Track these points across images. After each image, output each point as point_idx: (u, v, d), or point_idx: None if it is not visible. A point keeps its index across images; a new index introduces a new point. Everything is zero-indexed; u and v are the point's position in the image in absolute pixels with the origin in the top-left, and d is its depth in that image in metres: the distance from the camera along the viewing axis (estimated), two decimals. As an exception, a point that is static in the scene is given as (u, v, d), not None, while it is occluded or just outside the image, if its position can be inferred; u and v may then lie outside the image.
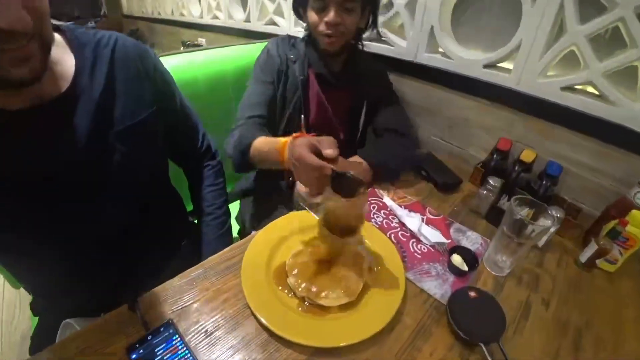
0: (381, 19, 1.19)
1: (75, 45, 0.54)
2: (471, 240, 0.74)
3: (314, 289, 0.55)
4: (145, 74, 0.62)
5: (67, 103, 0.50)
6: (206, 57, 1.09)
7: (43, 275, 0.62)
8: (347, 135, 1.04)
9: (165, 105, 0.67)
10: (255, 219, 1.00)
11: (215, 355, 0.47)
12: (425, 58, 1.10)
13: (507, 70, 0.95)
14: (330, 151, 0.52)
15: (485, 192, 0.81)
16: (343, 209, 0.55)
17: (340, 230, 0.56)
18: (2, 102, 0.44)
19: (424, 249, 0.71)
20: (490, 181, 0.81)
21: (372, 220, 0.79)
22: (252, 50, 1.18)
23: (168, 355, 0.45)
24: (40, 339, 0.66)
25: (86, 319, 0.56)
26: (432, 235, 0.74)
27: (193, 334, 0.50)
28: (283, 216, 0.74)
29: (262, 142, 0.77)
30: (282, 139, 0.67)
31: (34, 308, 0.72)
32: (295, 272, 0.58)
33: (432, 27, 1.05)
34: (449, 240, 0.73)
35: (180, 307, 0.53)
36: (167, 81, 0.69)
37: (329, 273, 0.59)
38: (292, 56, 0.92)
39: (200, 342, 0.49)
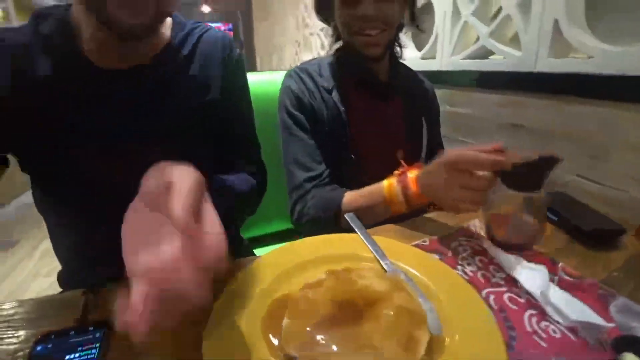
0: (484, 30, 0.98)
1: (175, 22, 0.57)
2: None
3: (318, 341, 0.32)
4: (222, 62, 0.60)
5: (152, 70, 0.51)
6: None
7: (86, 238, 0.58)
8: (407, 158, 0.78)
9: (228, 100, 0.62)
10: None
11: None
12: (550, 64, 0.81)
13: None
14: (494, 145, 0.47)
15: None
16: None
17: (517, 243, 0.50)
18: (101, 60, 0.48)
19: (555, 331, 0.39)
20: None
21: (459, 268, 0.50)
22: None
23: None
24: None
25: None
26: (574, 309, 0.40)
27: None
28: (310, 237, 0.53)
29: (354, 198, 0.64)
30: (384, 183, 0.60)
31: (61, 279, 0.67)
32: (298, 309, 0.36)
33: (555, 22, 0.77)
34: (611, 325, 0.38)
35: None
36: (238, 79, 0.65)
37: (353, 328, 0.35)
38: (325, 84, 0.73)
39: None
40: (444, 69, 1.16)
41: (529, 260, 0.49)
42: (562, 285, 0.45)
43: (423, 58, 1.29)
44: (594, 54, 0.73)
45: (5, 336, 0.37)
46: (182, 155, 0.55)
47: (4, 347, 0.36)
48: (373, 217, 0.61)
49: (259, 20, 5.10)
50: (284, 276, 0.43)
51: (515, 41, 0.93)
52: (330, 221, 0.64)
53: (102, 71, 0.47)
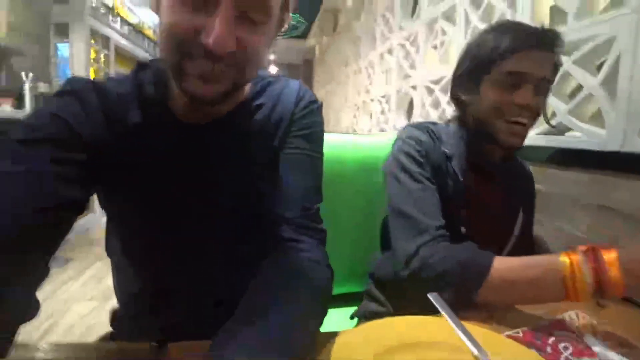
0: (564, 107, 0.97)
1: (256, 79, 0.56)
2: None
3: None
4: (292, 115, 0.57)
5: (225, 126, 0.52)
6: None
7: (150, 287, 0.58)
8: (498, 244, 0.74)
9: (296, 149, 0.59)
10: None
11: None
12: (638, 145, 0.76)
13: None
14: None
15: None
16: None
17: None
18: (185, 116, 0.50)
19: None
20: None
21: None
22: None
23: None
24: None
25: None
26: None
27: None
28: (397, 318, 0.48)
29: (510, 265, 0.54)
30: (562, 258, 0.49)
31: (115, 319, 0.66)
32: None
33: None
34: None
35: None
36: (308, 133, 0.61)
37: None
38: (447, 150, 0.70)
39: None
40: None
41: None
42: None
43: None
44: None
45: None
46: (246, 208, 0.55)
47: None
48: (529, 298, 0.53)
49: (320, 84, 5.54)
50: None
51: (595, 118, 0.89)
52: (468, 284, 0.54)
53: (182, 125, 0.50)
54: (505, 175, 0.74)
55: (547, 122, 0.73)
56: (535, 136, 1.06)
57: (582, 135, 0.92)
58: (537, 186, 1.02)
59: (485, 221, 0.71)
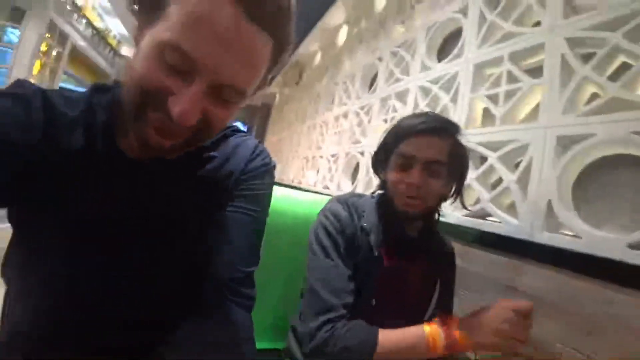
0: (486, 196, 1.10)
1: None
2: None
3: None
4: (241, 173, 0.58)
5: (171, 168, 0.49)
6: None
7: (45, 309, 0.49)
8: (413, 320, 0.74)
9: (239, 208, 0.58)
10: None
11: None
12: (545, 238, 0.88)
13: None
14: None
15: None
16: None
17: None
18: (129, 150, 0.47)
19: None
20: None
21: None
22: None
23: None
24: None
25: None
26: None
27: None
28: None
29: (389, 336, 0.64)
30: (424, 327, 0.64)
31: None
32: None
33: (549, 202, 0.88)
34: None
35: None
36: (254, 195, 0.60)
37: None
38: (365, 224, 0.75)
39: None
40: (446, 220, 1.23)
41: None
42: None
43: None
44: (581, 235, 0.81)
45: None
46: (176, 251, 0.51)
47: None
48: (410, 358, 0.63)
49: (274, 130, 5.64)
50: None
51: (512, 208, 1.02)
52: (364, 354, 0.63)
53: (126, 159, 0.47)
54: (423, 249, 0.79)
55: (463, 205, 0.83)
56: (462, 218, 1.17)
57: (501, 222, 1.03)
58: (461, 263, 1.10)
59: (402, 293, 0.76)
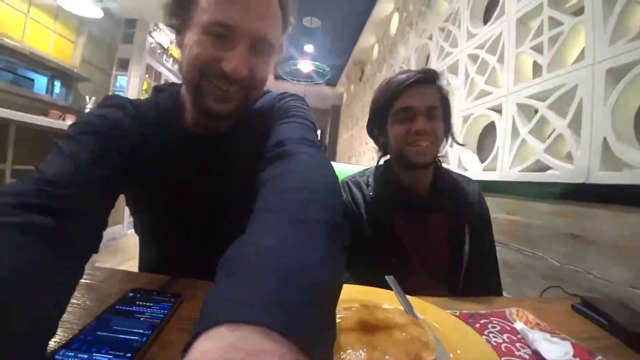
0: (539, 146, 1.07)
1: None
2: None
3: (339, 343, 0.36)
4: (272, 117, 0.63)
5: (226, 140, 0.60)
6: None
7: (164, 253, 0.69)
8: (447, 270, 0.79)
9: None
10: None
11: None
12: (602, 177, 0.84)
13: None
14: None
15: None
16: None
17: None
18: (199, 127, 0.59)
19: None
20: None
21: (483, 337, 0.50)
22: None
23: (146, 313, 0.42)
24: None
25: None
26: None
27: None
28: (352, 285, 0.58)
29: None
30: None
31: None
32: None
33: (604, 140, 0.84)
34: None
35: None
36: (283, 116, 0.63)
37: (369, 338, 0.39)
38: (371, 193, 0.81)
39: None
40: (503, 179, 1.23)
41: (553, 334, 0.48)
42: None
43: (485, 170, 1.38)
44: None
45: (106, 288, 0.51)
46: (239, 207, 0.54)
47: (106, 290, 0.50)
48: None
49: (346, 128, 5.86)
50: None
51: (570, 157, 0.98)
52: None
53: (195, 135, 0.59)
54: (436, 205, 0.80)
55: (455, 141, 0.85)
56: (517, 173, 1.15)
57: (557, 171, 1.00)
58: (522, 219, 1.09)
59: (420, 250, 0.78)
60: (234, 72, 0.48)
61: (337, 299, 0.29)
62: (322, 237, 0.30)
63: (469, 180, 0.88)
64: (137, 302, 0.44)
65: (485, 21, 1.57)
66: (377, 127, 0.84)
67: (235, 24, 0.47)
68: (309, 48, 4.29)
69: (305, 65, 4.00)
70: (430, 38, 2.14)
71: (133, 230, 0.73)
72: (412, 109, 0.75)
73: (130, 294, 0.46)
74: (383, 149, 0.86)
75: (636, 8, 0.84)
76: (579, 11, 1.01)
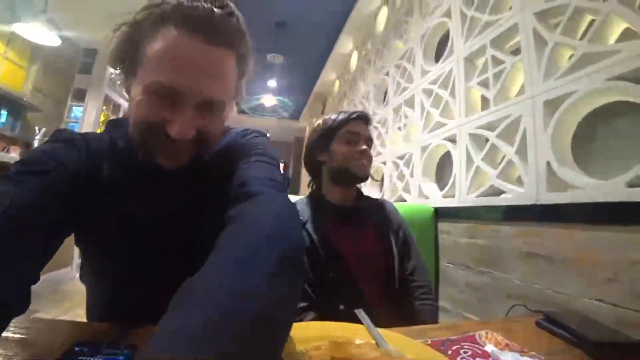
0: (493, 172, 1.15)
1: None
2: None
3: None
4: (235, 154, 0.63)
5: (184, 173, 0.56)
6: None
7: (119, 298, 0.63)
8: (379, 291, 0.88)
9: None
10: None
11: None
12: (551, 197, 0.91)
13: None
14: None
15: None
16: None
17: None
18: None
19: None
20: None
21: (456, 364, 0.49)
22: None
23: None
24: None
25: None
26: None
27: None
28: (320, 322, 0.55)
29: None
30: None
31: None
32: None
33: (547, 163, 0.92)
34: None
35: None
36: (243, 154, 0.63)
37: None
38: (302, 217, 0.92)
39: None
40: (462, 205, 1.29)
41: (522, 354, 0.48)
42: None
43: (444, 197, 1.45)
44: (582, 186, 0.85)
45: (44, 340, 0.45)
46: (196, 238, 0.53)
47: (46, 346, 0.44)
48: None
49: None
50: (290, 343, 0.46)
51: (520, 181, 1.06)
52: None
53: (153, 172, 0.54)
54: (366, 219, 0.96)
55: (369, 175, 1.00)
56: (474, 198, 1.21)
57: (509, 194, 1.07)
58: (482, 241, 1.14)
59: (355, 261, 0.89)
60: (179, 136, 0.46)
61: (284, 329, 0.30)
62: (269, 267, 0.31)
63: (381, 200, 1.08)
64: (84, 359, 0.39)
65: (437, 59, 1.72)
66: (319, 148, 0.98)
67: (179, 87, 0.44)
68: (272, 83, 4.40)
69: (269, 100, 4.08)
70: (387, 74, 2.29)
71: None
72: (358, 134, 0.95)
73: (76, 349, 0.41)
74: (315, 173, 1.02)
75: (563, 49, 0.97)
76: (517, 51, 1.14)
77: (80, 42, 3.80)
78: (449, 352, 0.54)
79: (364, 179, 0.96)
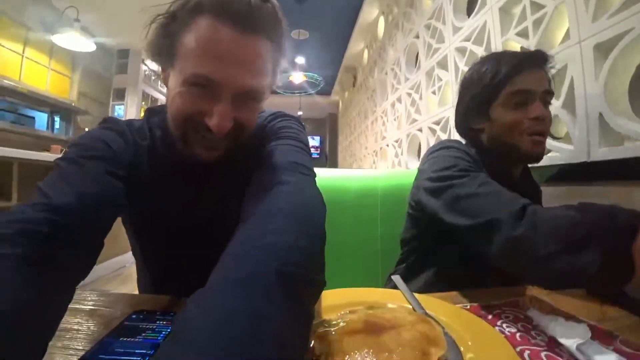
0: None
1: None
2: None
3: (344, 346, 0.36)
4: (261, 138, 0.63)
5: (221, 165, 0.56)
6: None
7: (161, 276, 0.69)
8: None
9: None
10: None
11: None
12: (603, 153, 0.83)
13: None
14: None
15: None
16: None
17: None
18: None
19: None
20: None
21: (496, 328, 0.48)
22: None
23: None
24: None
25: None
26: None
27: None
28: (355, 289, 0.57)
29: None
30: None
31: None
32: (336, 323, 0.41)
33: (600, 115, 0.83)
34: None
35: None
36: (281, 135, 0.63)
37: (375, 338, 0.37)
38: None
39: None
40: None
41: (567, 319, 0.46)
42: (621, 354, 0.41)
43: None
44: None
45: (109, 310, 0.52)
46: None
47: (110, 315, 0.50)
48: None
49: (344, 135, 5.90)
50: (328, 309, 0.48)
51: (569, 137, 0.97)
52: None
53: (186, 162, 0.54)
54: (525, 188, 0.72)
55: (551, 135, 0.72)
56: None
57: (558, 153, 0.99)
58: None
59: None
60: (218, 128, 0.46)
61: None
62: (278, 295, 0.28)
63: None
64: (140, 324, 0.44)
65: (469, 14, 1.58)
66: (474, 114, 0.70)
67: (218, 78, 0.44)
68: (299, 60, 4.34)
69: (297, 77, 4.05)
70: (417, 37, 2.16)
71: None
72: (529, 92, 0.64)
73: (133, 316, 0.46)
74: (472, 141, 0.73)
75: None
76: (559, -8, 1.02)
77: (113, 45, 4.05)
78: (489, 316, 0.53)
79: (538, 159, 0.66)
